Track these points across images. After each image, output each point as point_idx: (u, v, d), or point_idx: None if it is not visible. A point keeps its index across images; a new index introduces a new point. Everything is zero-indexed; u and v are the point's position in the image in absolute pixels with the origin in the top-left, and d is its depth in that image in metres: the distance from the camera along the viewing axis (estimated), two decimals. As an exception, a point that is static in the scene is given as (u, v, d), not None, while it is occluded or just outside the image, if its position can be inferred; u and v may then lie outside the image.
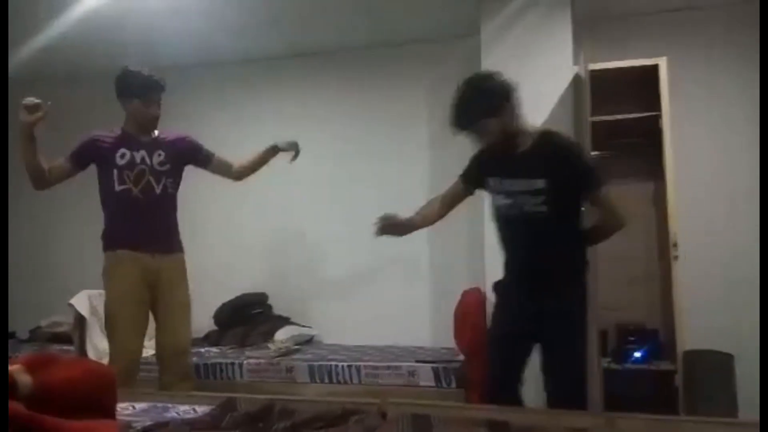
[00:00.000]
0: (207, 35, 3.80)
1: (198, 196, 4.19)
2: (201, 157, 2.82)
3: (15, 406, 0.97)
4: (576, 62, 3.10)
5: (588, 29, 3.16)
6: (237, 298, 3.90)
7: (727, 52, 3.39)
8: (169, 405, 1.70)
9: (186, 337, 2.70)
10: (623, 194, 3.34)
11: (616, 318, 3.26)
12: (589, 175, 2.10)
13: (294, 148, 2.93)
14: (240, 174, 2.91)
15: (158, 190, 2.62)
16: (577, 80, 3.11)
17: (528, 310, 2.08)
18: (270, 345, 3.53)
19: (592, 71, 2.91)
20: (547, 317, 2.04)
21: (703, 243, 3.23)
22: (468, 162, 2.32)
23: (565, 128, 3.08)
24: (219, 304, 3.89)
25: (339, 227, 3.94)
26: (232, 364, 3.23)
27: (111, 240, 2.63)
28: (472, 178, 2.29)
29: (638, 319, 3.28)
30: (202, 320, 3.87)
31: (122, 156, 2.59)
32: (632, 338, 3.16)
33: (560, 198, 2.05)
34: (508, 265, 2.21)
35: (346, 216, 3.91)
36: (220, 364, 3.24)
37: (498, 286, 2.27)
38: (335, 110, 4.10)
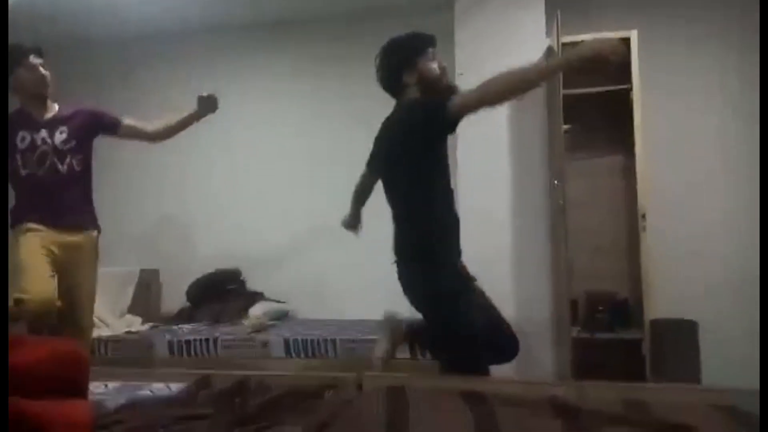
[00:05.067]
0: (179, 3, 3.69)
1: (170, 172, 4.20)
2: (106, 125, 2.72)
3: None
4: (548, 34, 3.09)
5: (560, 2, 3.12)
6: (210, 274, 3.87)
7: (697, 26, 3.41)
8: (143, 383, 1.68)
9: (88, 325, 2.64)
10: (594, 167, 3.42)
11: (585, 287, 3.32)
12: None
13: (211, 106, 2.78)
14: (156, 136, 2.80)
15: (64, 170, 2.54)
16: (549, 53, 3.09)
17: None
18: (245, 321, 3.48)
19: (564, 44, 2.90)
20: None
21: (669, 215, 3.29)
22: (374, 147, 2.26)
23: (537, 101, 3.11)
24: (191, 280, 3.85)
25: (316, 202, 3.88)
26: (206, 340, 3.19)
27: (17, 217, 2.53)
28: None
29: (607, 288, 3.34)
30: (175, 297, 3.91)
31: (22, 139, 2.50)
32: (601, 307, 3.21)
33: None
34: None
35: (323, 190, 3.85)
36: (194, 340, 3.20)
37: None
38: (305, 83, 4.03)
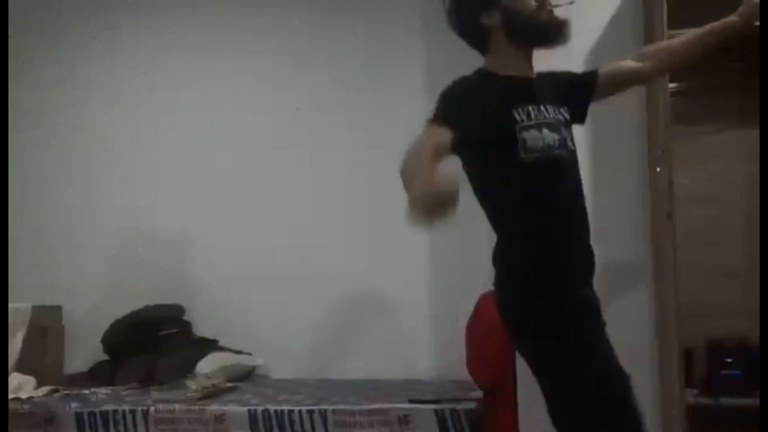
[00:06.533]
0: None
1: (81, 175, 4.16)
2: None
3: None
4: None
5: None
6: (138, 312, 3.77)
7: None
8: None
9: None
10: (716, 146, 3.29)
11: (706, 331, 3.20)
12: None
13: None
14: None
15: None
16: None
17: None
18: (190, 382, 3.35)
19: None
20: None
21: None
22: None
23: (630, 47, 2.88)
24: (111, 321, 3.73)
25: (290, 203, 3.80)
26: (133, 412, 3.09)
27: None
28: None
29: (739, 330, 3.21)
30: (85, 347, 3.81)
31: None
32: (730, 360, 3.12)
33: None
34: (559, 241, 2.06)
35: (301, 204, 3.81)
36: (115, 412, 3.11)
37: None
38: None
